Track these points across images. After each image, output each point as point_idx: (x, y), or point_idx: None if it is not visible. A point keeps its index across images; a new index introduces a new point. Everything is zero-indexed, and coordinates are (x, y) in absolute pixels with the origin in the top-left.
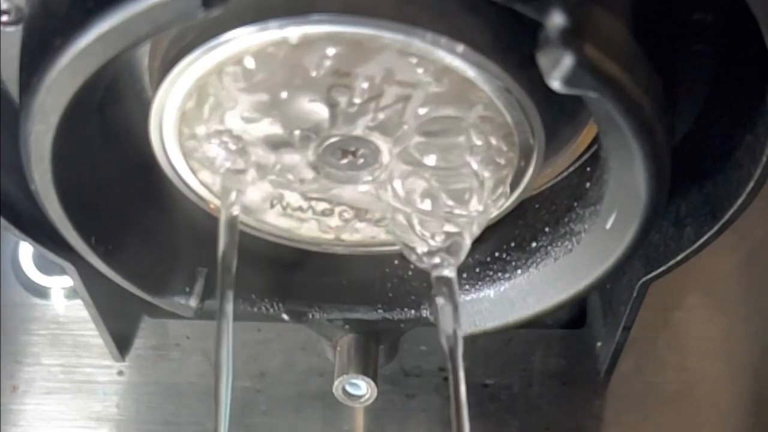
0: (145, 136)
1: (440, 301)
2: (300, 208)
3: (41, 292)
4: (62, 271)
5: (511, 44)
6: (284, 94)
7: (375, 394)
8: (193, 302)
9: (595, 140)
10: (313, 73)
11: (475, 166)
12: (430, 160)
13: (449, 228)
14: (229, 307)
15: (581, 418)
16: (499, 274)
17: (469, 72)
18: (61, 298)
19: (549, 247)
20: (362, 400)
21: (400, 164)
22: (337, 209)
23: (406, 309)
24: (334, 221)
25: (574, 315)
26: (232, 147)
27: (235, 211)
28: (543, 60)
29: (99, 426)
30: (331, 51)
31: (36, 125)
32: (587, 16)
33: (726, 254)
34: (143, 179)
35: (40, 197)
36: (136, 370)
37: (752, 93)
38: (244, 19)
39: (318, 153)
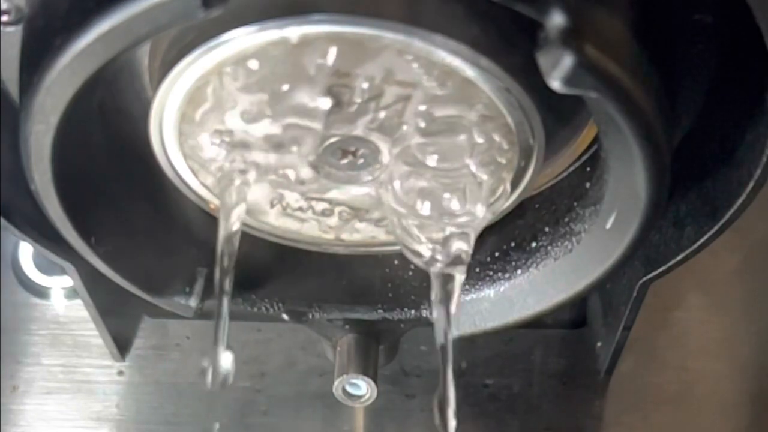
0: (145, 136)
1: (438, 299)
2: (300, 208)
3: (41, 292)
4: (62, 271)
5: (511, 44)
6: (284, 94)
7: (375, 394)
8: (193, 302)
9: (595, 140)
10: (313, 73)
11: (474, 166)
12: (430, 160)
13: (450, 230)
14: (229, 308)
15: (581, 418)
16: (499, 274)
17: (469, 72)
18: (61, 298)
19: (549, 247)
20: (362, 400)
21: (399, 164)
22: (337, 209)
23: (406, 309)
24: (333, 221)
25: (574, 315)
26: (232, 147)
27: (236, 216)
28: (543, 60)
29: (99, 426)
30: (331, 51)
31: (36, 125)
32: (587, 16)
33: (726, 254)
34: (143, 179)
35: (40, 197)
36: (136, 370)
37: (752, 93)
38: (244, 19)
39: (318, 153)
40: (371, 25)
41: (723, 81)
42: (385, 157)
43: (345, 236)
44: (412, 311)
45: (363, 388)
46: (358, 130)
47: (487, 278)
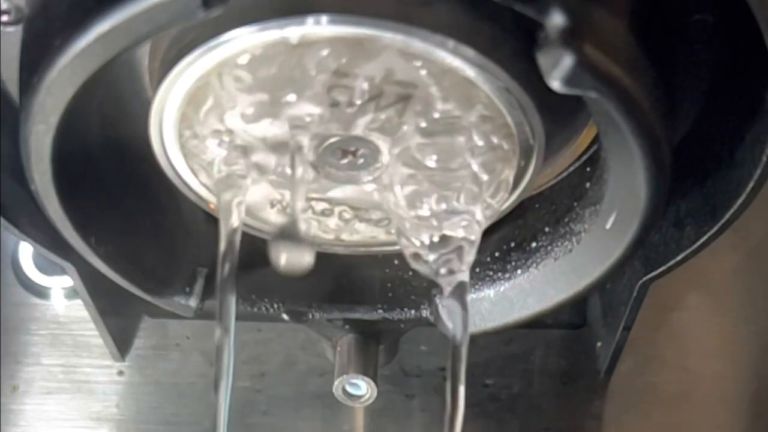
0: (145, 136)
1: (449, 303)
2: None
3: (41, 292)
4: (62, 271)
5: (511, 44)
6: (284, 94)
7: (375, 394)
8: (193, 302)
9: (595, 140)
10: (313, 73)
11: (474, 166)
12: (430, 160)
13: (450, 232)
14: (230, 308)
15: (581, 418)
16: (499, 274)
17: (469, 72)
18: (61, 298)
19: (549, 247)
20: (362, 400)
21: (399, 165)
22: (337, 209)
23: (406, 309)
24: (333, 221)
25: (574, 315)
26: (232, 147)
27: (236, 216)
28: (543, 60)
29: (99, 426)
30: (331, 51)
31: (36, 125)
32: (587, 16)
33: (726, 254)
34: (143, 179)
35: (40, 197)
36: (136, 370)
37: (752, 93)
38: (244, 19)
39: (318, 153)
40: (371, 25)
41: (723, 81)
42: (385, 157)
43: (345, 236)
44: (412, 311)
45: (363, 388)
46: (358, 130)
47: (487, 278)
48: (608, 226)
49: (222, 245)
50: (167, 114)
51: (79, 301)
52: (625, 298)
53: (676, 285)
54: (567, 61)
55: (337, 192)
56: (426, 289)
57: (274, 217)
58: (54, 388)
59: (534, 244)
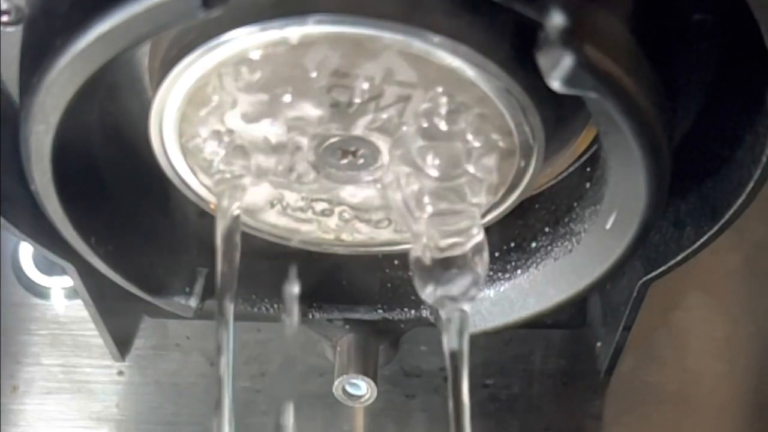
0: (145, 136)
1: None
2: (300, 209)
3: (41, 292)
4: (62, 271)
5: (511, 44)
6: (284, 95)
7: (375, 394)
8: (193, 302)
9: (595, 140)
10: (313, 74)
11: (474, 166)
12: (430, 160)
13: (452, 239)
14: (229, 308)
15: (581, 418)
16: (499, 274)
17: (469, 72)
18: (61, 298)
19: (549, 247)
20: (362, 400)
21: (399, 165)
22: (337, 209)
23: (406, 309)
24: (333, 221)
25: (574, 315)
26: (232, 147)
27: (235, 217)
28: (543, 60)
29: (99, 426)
30: (331, 51)
31: (36, 125)
32: (587, 16)
33: (726, 254)
34: (143, 179)
35: (40, 197)
36: (136, 370)
37: (752, 93)
38: (244, 19)
39: (318, 153)
40: (371, 25)
41: (723, 81)
42: (385, 157)
43: (345, 236)
44: (412, 311)
45: (363, 388)
46: (358, 131)
47: (487, 278)
48: (608, 226)
49: (220, 245)
50: (167, 114)
51: (79, 301)
52: (625, 298)
53: (676, 285)
54: (567, 61)
55: (337, 193)
56: None
57: (274, 218)
58: (54, 388)
59: (534, 244)
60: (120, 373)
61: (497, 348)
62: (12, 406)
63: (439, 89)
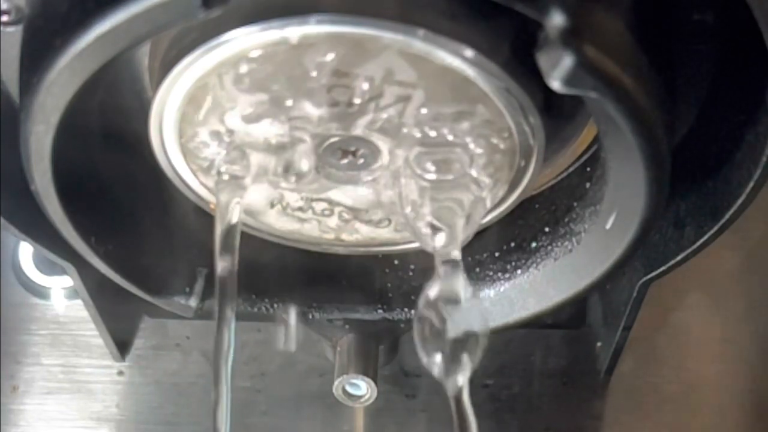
0: (145, 136)
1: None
2: (300, 209)
3: (41, 292)
4: (62, 271)
5: (511, 44)
6: (284, 95)
7: (375, 394)
8: (193, 302)
9: (595, 140)
10: (313, 73)
11: (474, 166)
12: (430, 159)
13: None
14: (229, 308)
15: (581, 418)
16: (499, 274)
17: (469, 72)
18: (61, 298)
19: (549, 247)
20: (362, 400)
21: (399, 164)
22: (337, 209)
23: (406, 309)
24: (333, 221)
25: (574, 315)
26: (232, 147)
27: (235, 217)
28: (543, 60)
29: (99, 426)
30: (331, 51)
31: (36, 125)
32: (587, 16)
33: (726, 254)
34: (143, 179)
35: (40, 197)
36: (136, 370)
37: (752, 93)
38: (244, 19)
39: (318, 153)
40: (371, 25)
41: (723, 81)
42: (385, 157)
43: (345, 236)
44: (412, 311)
45: (363, 388)
46: (358, 131)
47: (487, 278)
48: (608, 226)
49: (219, 245)
50: (167, 114)
51: (79, 301)
52: (625, 298)
53: (676, 285)
54: (567, 61)
55: (337, 194)
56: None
57: (274, 218)
58: (54, 388)
59: (534, 244)
60: (120, 373)
61: (497, 348)
62: (12, 406)
63: (439, 89)
